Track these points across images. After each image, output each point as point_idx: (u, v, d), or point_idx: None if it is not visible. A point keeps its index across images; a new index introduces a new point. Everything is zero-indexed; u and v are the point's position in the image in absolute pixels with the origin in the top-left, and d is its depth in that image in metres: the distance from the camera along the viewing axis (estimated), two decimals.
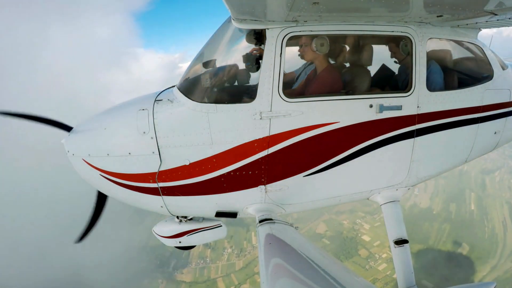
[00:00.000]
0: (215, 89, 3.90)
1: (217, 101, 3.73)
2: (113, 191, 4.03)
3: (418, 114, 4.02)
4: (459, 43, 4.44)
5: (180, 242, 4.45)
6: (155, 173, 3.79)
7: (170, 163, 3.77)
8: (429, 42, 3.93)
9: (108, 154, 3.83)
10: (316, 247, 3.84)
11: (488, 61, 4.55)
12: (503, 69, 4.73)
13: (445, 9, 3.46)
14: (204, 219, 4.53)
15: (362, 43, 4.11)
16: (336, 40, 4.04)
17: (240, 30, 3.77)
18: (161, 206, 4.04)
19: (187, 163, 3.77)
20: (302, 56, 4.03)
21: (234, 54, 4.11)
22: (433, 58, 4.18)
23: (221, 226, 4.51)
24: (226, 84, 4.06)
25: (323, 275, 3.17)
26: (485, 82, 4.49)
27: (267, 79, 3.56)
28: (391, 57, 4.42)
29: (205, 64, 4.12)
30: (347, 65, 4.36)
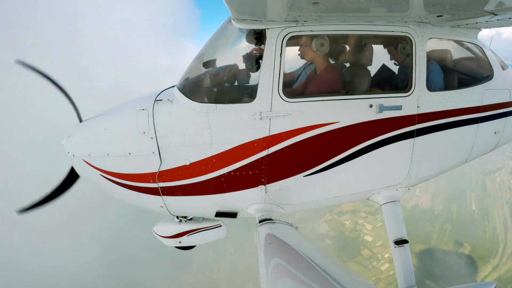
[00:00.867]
0: (215, 89, 3.90)
1: (217, 101, 3.73)
2: (113, 191, 4.03)
3: (418, 114, 4.02)
4: (459, 43, 4.43)
5: (180, 242, 4.46)
6: (155, 173, 3.79)
7: (170, 163, 3.78)
8: (429, 42, 3.93)
9: (108, 154, 3.83)
10: (316, 247, 3.84)
11: (488, 61, 4.54)
12: (503, 69, 4.73)
13: (445, 9, 3.46)
14: (204, 219, 4.53)
15: (362, 43, 4.11)
16: (336, 40, 4.04)
17: (240, 30, 3.77)
18: (161, 206, 4.05)
19: (187, 163, 3.77)
20: (302, 56, 4.03)
21: (234, 54, 4.11)
22: (433, 58, 4.17)
23: (221, 226, 4.51)
24: (226, 84, 4.07)
25: (323, 275, 3.17)
26: (485, 82, 4.48)
27: (267, 79, 3.56)
28: (391, 59, 4.42)
29: (205, 64, 4.12)
30: (347, 65, 4.36)
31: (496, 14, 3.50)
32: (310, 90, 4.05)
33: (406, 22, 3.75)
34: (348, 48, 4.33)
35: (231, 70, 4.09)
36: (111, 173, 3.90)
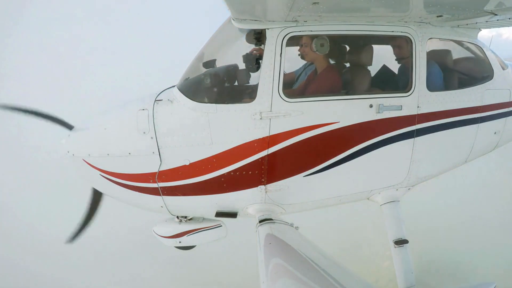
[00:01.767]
0: (215, 89, 3.90)
1: (217, 101, 3.73)
2: (113, 191, 4.03)
3: (418, 114, 4.01)
4: (459, 43, 4.43)
5: (180, 242, 4.45)
6: (155, 173, 3.79)
7: (170, 163, 3.77)
8: (429, 42, 3.93)
9: (108, 154, 3.83)
10: (316, 247, 3.83)
11: (488, 61, 4.54)
12: (503, 69, 4.73)
13: (445, 9, 3.46)
14: (204, 219, 4.53)
15: (362, 43, 4.11)
16: (336, 40, 4.04)
17: (240, 30, 3.77)
18: (161, 206, 4.04)
19: (187, 163, 3.77)
20: (302, 56, 4.03)
21: (234, 54, 4.11)
22: (433, 58, 4.17)
23: (221, 226, 4.50)
24: (226, 84, 4.06)
25: (323, 275, 3.17)
26: (485, 82, 4.48)
27: (267, 79, 3.56)
28: (396, 59, 4.41)
29: (205, 64, 4.12)
30: (347, 65, 4.36)
31: (496, 14, 3.50)
32: (310, 90, 4.05)
33: (406, 22, 3.75)
34: (348, 48, 4.33)
35: (231, 70, 4.08)
36: (111, 173, 3.90)
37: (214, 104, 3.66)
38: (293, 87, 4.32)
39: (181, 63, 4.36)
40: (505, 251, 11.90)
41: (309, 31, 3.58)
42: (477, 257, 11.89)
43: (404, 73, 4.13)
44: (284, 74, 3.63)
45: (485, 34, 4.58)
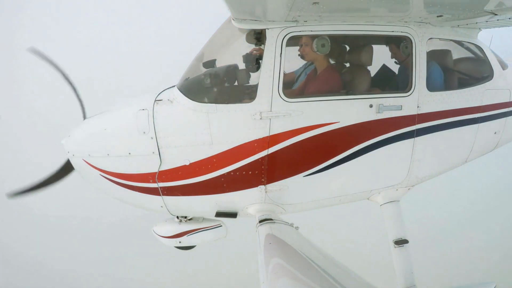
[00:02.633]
0: (215, 89, 3.90)
1: (217, 101, 3.73)
2: (113, 191, 4.03)
3: (418, 114, 4.01)
4: (459, 43, 4.43)
5: (180, 242, 4.45)
6: (155, 173, 3.79)
7: (170, 163, 3.77)
8: (429, 42, 3.93)
9: (108, 154, 3.83)
10: (316, 247, 3.83)
11: (488, 61, 4.53)
12: (503, 69, 4.72)
13: (445, 9, 3.46)
14: (204, 219, 4.53)
15: (362, 43, 4.11)
16: (336, 40, 4.04)
17: (240, 30, 3.77)
18: (161, 206, 4.04)
19: (187, 163, 3.77)
20: (302, 56, 4.03)
21: (234, 54, 4.11)
22: (433, 58, 4.17)
23: (221, 226, 4.50)
24: (226, 84, 4.06)
25: (323, 275, 3.17)
26: (485, 82, 4.47)
27: (267, 79, 3.55)
28: (391, 57, 4.42)
29: (205, 64, 4.12)
30: (347, 65, 4.36)
31: (496, 14, 3.50)
32: (310, 90, 4.05)
33: (406, 22, 3.75)
34: (348, 48, 4.33)
35: (231, 70, 4.08)
36: (111, 173, 3.90)
37: (214, 104, 3.66)
38: (293, 87, 4.32)
39: (181, 63, 4.36)
40: (505, 251, 11.91)
41: (309, 31, 3.58)
42: (477, 257, 11.89)
43: (404, 73, 4.14)
44: (284, 74, 3.63)
45: (485, 34, 4.57)
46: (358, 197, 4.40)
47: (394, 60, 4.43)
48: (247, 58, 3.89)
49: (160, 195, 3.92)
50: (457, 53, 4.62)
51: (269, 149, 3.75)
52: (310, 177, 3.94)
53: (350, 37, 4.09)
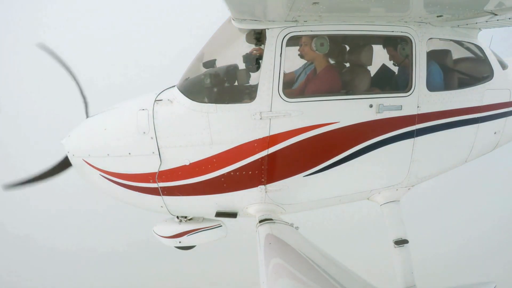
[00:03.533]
0: (215, 89, 3.90)
1: (217, 101, 3.73)
2: (113, 191, 4.03)
3: (418, 114, 4.01)
4: (459, 43, 4.43)
5: (180, 242, 4.45)
6: (155, 173, 3.79)
7: (170, 163, 3.77)
8: (429, 42, 3.93)
9: (108, 154, 3.83)
10: (316, 247, 3.83)
11: (488, 61, 4.53)
12: (503, 69, 4.72)
13: (445, 9, 3.46)
14: (204, 219, 4.53)
15: (362, 43, 4.11)
16: (336, 40, 4.04)
17: (240, 30, 3.77)
18: (161, 206, 4.04)
19: (187, 163, 3.77)
20: (302, 55, 4.03)
21: (234, 54, 4.11)
22: (433, 58, 4.17)
23: (221, 226, 4.50)
24: (226, 84, 4.06)
25: (323, 275, 3.17)
26: (485, 82, 4.47)
27: (267, 79, 3.55)
28: (390, 59, 4.42)
29: (205, 64, 4.12)
30: (347, 65, 4.36)
31: (496, 14, 3.49)
32: (310, 90, 4.05)
33: (406, 22, 3.75)
34: (348, 48, 4.33)
35: (231, 70, 4.08)
36: (111, 173, 3.90)
37: (214, 104, 3.66)
38: (293, 87, 4.32)
39: (181, 63, 4.36)
40: (505, 251, 11.90)
41: (309, 31, 3.58)
42: (477, 257, 11.89)
43: (404, 73, 4.13)
44: (284, 74, 3.63)
45: (485, 34, 4.57)
46: (358, 197, 4.40)
47: (392, 62, 4.43)
48: (247, 58, 3.89)
49: (160, 195, 3.92)
50: (457, 53, 4.62)
51: (269, 149, 3.75)
52: (310, 177, 3.94)
53: (350, 37, 4.09)
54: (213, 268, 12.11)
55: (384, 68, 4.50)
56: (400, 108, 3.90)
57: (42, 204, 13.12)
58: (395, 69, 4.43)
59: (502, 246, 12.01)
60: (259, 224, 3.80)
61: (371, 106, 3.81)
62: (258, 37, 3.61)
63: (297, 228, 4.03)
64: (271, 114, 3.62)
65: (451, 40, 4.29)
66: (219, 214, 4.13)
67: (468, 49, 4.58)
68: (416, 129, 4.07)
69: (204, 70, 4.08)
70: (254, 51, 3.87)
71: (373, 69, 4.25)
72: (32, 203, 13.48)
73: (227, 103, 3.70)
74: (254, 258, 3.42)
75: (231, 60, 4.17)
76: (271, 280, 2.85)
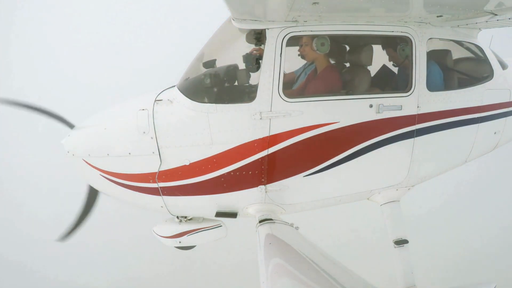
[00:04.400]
0: (215, 89, 3.90)
1: (217, 101, 3.73)
2: (113, 191, 4.03)
3: (418, 114, 4.01)
4: (459, 43, 4.43)
5: (180, 242, 4.45)
6: (155, 173, 3.79)
7: (170, 163, 3.77)
8: (429, 42, 3.93)
9: (108, 154, 3.83)
10: (316, 247, 3.83)
11: (488, 61, 4.53)
12: (503, 69, 4.73)
13: (445, 9, 3.46)
14: (204, 219, 4.53)
15: (362, 43, 4.11)
16: (336, 40, 4.04)
17: (240, 30, 3.77)
18: (161, 206, 4.04)
19: (187, 163, 3.77)
20: (302, 56, 4.03)
21: (234, 54, 4.11)
22: (433, 58, 4.17)
23: (221, 226, 4.50)
24: (226, 84, 4.06)
25: (323, 275, 3.17)
26: (485, 82, 4.47)
27: (267, 79, 3.56)
28: (389, 60, 4.42)
29: (205, 64, 4.12)
30: (347, 65, 4.36)
31: (496, 14, 3.49)
32: (310, 90, 4.05)
33: (406, 22, 3.75)
34: (348, 48, 4.33)
35: (231, 70, 4.08)
36: (111, 173, 3.90)
37: (214, 104, 3.66)
38: (293, 87, 4.32)
39: (181, 63, 4.36)
40: (505, 251, 11.90)
41: (309, 31, 3.58)
42: (477, 257, 11.89)
43: (404, 73, 4.14)
44: (284, 74, 3.63)
45: (485, 34, 4.57)
46: (358, 197, 4.40)
47: (392, 62, 4.44)
48: (247, 58, 3.89)
49: (160, 195, 3.92)
50: (457, 53, 4.62)
51: (269, 149, 3.75)
52: (310, 177, 3.94)
53: (350, 37, 4.09)
54: (213, 268, 12.11)
55: (384, 68, 4.51)
56: (400, 108, 3.90)
57: (43, 204, 13.14)
58: (395, 69, 4.43)
59: (502, 246, 12.00)
60: (259, 224, 3.80)
61: (371, 106, 3.81)
62: (258, 37, 3.60)
63: (297, 228, 4.03)
64: (271, 114, 3.62)
65: (451, 40, 4.29)
66: (219, 214, 4.13)
67: (468, 49, 4.58)
68: (416, 129, 4.07)
69: (204, 70, 4.09)
70: (254, 51, 3.87)
71: (373, 69, 4.25)
72: (32, 203, 13.49)
73: (227, 103, 3.70)
74: (254, 258, 3.42)
75: (231, 60, 4.17)
76: (271, 280, 2.85)
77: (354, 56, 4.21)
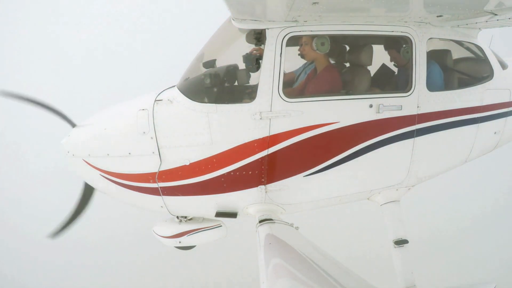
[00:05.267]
0: (215, 89, 3.90)
1: (217, 101, 3.73)
2: (113, 191, 4.03)
3: (418, 114, 4.01)
4: (459, 43, 4.43)
5: (180, 242, 4.45)
6: (155, 173, 3.79)
7: (170, 163, 3.77)
8: (429, 42, 3.93)
9: (108, 154, 3.83)
10: (317, 247, 3.83)
11: (488, 61, 4.53)
12: (503, 69, 4.72)
13: (445, 9, 3.46)
14: (204, 219, 4.53)
15: (362, 43, 4.11)
16: (336, 40, 4.04)
17: (240, 30, 3.77)
18: (161, 206, 4.04)
19: (187, 163, 3.77)
20: (302, 55, 4.03)
21: (234, 54, 4.11)
22: (433, 58, 4.17)
23: (221, 226, 4.50)
24: (226, 84, 4.06)
25: (323, 275, 3.17)
26: (485, 82, 4.48)
27: (267, 79, 3.56)
28: (390, 60, 4.42)
29: (205, 64, 4.12)
30: (347, 65, 4.36)
31: (496, 14, 3.50)
32: (310, 90, 4.05)
33: (406, 22, 3.75)
34: (348, 48, 4.33)
35: (231, 70, 4.08)
36: (111, 173, 3.90)
37: (214, 104, 3.66)
38: (293, 87, 4.32)
39: (181, 63, 4.36)
40: (505, 251, 11.90)
41: (309, 31, 3.58)
42: (477, 257, 11.88)
43: (404, 73, 4.14)
44: (284, 74, 3.63)
45: (485, 34, 4.57)
46: (358, 197, 4.40)
47: (393, 63, 4.43)
48: (247, 58, 3.89)
49: (160, 195, 3.92)
50: (457, 53, 4.62)
51: (269, 149, 3.75)
52: (310, 177, 3.94)
53: (350, 37, 4.09)
54: (213, 268, 12.10)
55: (384, 68, 4.50)
56: (400, 108, 3.90)
57: (42, 204, 13.13)
58: (395, 69, 4.43)
59: (502, 246, 12.00)
60: (259, 224, 3.80)
61: (371, 106, 3.81)
62: (258, 37, 3.60)
63: (297, 228, 4.03)
64: (271, 114, 3.62)
65: (451, 40, 4.29)
66: (219, 214, 4.12)
67: (468, 49, 4.58)
68: (416, 129, 4.07)
69: (204, 70, 4.08)
70: (254, 51, 3.87)
71: (373, 69, 4.25)
72: (33, 203, 13.49)
73: (227, 103, 3.70)
74: (254, 258, 3.42)
75: (231, 60, 4.17)
76: (271, 280, 2.85)
77: (354, 56, 4.21)
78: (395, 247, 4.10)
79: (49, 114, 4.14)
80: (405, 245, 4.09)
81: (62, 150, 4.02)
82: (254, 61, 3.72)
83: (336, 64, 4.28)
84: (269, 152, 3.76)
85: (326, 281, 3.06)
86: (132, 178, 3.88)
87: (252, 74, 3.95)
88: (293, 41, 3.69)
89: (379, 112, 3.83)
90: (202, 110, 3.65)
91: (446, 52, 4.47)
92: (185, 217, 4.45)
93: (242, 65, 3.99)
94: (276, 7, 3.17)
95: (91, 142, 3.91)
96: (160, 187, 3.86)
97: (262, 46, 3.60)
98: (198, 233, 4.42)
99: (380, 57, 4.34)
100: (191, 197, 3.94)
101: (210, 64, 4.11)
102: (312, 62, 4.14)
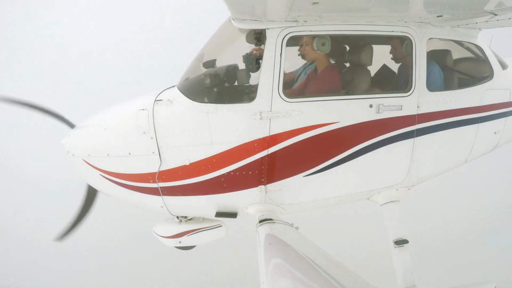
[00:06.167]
0: (215, 89, 3.90)
1: (217, 101, 3.73)
2: (113, 191, 4.03)
3: (418, 114, 4.01)
4: (459, 43, 4.43)
5: (180, 242, 4.45)
6: (155, 173, 3.79)
7: (170, 163, 3.77)
8: (429, 42, 3.93)
9: (108, 154, 3.83)
10: (317, 247, 3.83)
11: (488, 61, 4.54)
12: (503, 69, 4.72)
13: (445, 9, 3.46)
14: (204, 219, 4.53)
15: (362, 43, 4.11)
16: (336, 40, 4.05)
17: (240, 30, 3.77)
18: (161, 206, 4.04)
19: (187, 163, 3.77)
20: (302, 55, 4.03)
21: (234, 54, 4.11)
22: (433, 58, 4.17)
23: (221, 226, 4.50)
24: (226, 84, 4.06)
25: (323, 275, 3.17)
26: (485, 82, 4.48)
27: (267, 79, 3.56)
28: (390, 52, 4.41)
29: (205, 64, 4.12)
30: (347, 65, 4.36)
31: (496, 14, 3.50)
32: (310, 90, 4.05)
33: (406, 22, 3.75)
34: (348, 48, 4.33)
35: (231, 70, 4.08)
36: (111, 173, 3.90)
37: (214, 104, 3.66)
38: (293, 87, 4.32)
39: (181, 63, 4.36)
40: (505, 251, 11.89)
41: (309, 31, 3.58)
42: (477, 257, 11.88)
43: (404, 73, 4.14)
44: (284, 74, 3.63)
45: (485, 34, 4.57)
46: (358, 197, 4.40)
47: (391, 57, 4.42)
48: (247, 58, 3.89)
49: (160, 195, 3.92)
50: (457, 53, 4.62)
51: (269, 149, 3.75)
52: (310, 177, 3.95)
53: (350, 37, 4.09)
54: (214, 268, 12.11)
55: (384, 68, 4.51)
56: (400, 108, 3.90)
57: (42, 204, 13.14)
58: (395, 69, 4.43)
59: (502, 246, 12.00)
60: (259, 224, 3.80)
61: (371, 106, 3.81)
62: (258, 37, 3.61)
63: (297, 228, 4.03)
64: (271, 114, 3.62)
65: (451, 40, 4.29)
66: (219, 214, 4.12)
67: (468, 49, 4.58)
68: (416, 129, 4.07)
69: (204, 70, 4.09)
70: (254, 51, 3.87)
71: (373, 69, 4.25)
72: (33, 203, 13.49)
73: (227, 103, 3.70)
74: (254, 258, 3.42)
75: (231, 60, 4.17)
76: (271, 280, 2.85)
77: (354, 56, 4.21)
78: (395, 247, 4.10)
79: (47, 118, 4.13)
80: (405, 245, 4.09)
81: (62, 150, 4.02)
82: (254, 61, 3.72)
83: (336, 64, 4.28)
84: (269, 152, 3.76)
85: (326, 281, 3.06)
86: (132, 178, 3.88)
87: (252, 74, 3.95)
88: (293, 41, 3.69)
89: (379, 112, 3.84)
90: (202, 110, 3.65)
91: (446, 52, 4.47)
92: (185, 217, 4.45)
93: (242, 65, 4.00)
94: (276, 7, 3.17)
95: (91, 142, 3.91)
96: (160, 187, 3.86)
97: (262, 46, 3.61)
98: (198, 233, 4.42)
99: (380, 57, 4.34)
100: (191, 197, 3.94)
101: (210, 64, 4.11)
102: (312, 62, 4.14)
